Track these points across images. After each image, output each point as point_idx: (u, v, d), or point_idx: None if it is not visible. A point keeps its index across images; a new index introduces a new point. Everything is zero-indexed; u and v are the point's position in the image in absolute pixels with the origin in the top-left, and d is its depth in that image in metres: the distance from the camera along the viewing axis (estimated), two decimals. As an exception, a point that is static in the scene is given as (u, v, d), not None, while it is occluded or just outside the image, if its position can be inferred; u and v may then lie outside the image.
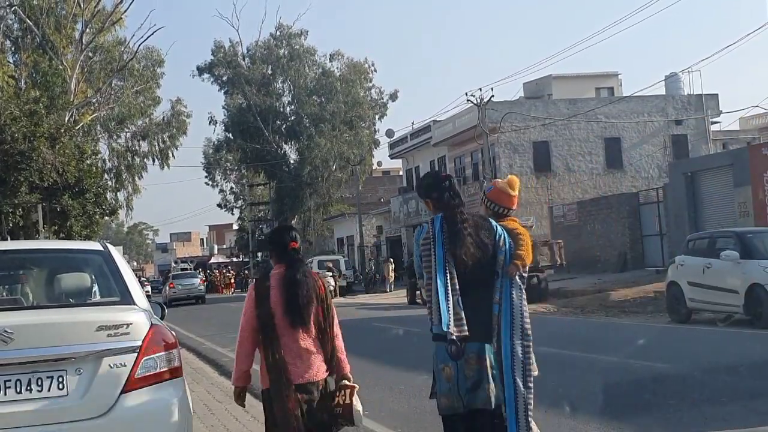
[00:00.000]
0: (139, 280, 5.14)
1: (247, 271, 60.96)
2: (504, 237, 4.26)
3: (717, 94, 36.41)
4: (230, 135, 53.39)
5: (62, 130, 22.61)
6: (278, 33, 52.39)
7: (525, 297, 4.32)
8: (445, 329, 3.94)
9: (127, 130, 43.31)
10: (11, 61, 32.84)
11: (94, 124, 37.99)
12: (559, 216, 32.23)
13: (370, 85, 52.81)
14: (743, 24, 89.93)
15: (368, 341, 15.33)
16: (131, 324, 4.16)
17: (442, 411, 4.17)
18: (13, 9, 31.74)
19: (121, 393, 4.05)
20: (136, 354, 4.12)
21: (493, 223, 4.34)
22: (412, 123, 44.54)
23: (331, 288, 34.81)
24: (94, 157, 27.29)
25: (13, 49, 33.92)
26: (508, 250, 4.25)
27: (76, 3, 32.37)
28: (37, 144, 20.13)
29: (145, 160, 44.93)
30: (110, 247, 5.06)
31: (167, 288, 39.74)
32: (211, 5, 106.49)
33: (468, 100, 32.51)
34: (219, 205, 62.26)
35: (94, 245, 5.24)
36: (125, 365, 4.08)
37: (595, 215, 30.02)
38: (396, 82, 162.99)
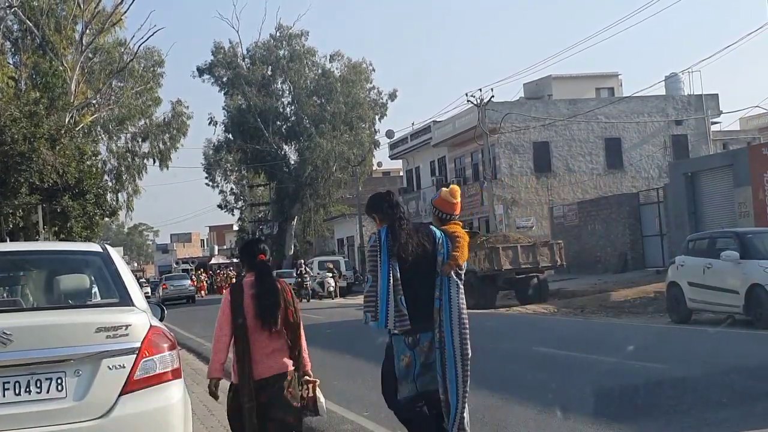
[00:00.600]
0: (138, 281, 5.13)
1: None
2: (442, 240, 4.84)
3: (717, 95, 36.50)
4: (230, 136, 53.35)
5: (62, 131, 22.61)
6: (278, 34, 52.39)
7: (462, 292, 4.87)
8: (382, 326, 4.59)
9: (127, 131, 43.28)
10: (11, 62, 32.82)
11: (95, 125, 37.97)
12: (559, 216, 32.22)
13: (371, 85, 52.84)
14: (743, 24, 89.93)
15: (367, 343, 15.30)
16: (130, 325, 4.16)
17: (401, 395, 4.72)
18: (12, 10, 31.73)
19: (120, 394, 4.04)
20: (135, 355, 4.11)
21: (433, 228, 4.94)
22: (412, 124, 44.64)
23: (331, 289, 34.82)
24: (94, 158, 27.30)
25: (13, 50, 33.90)
26: (445, 252, 4.81)
27: (76, 4, 32.36)
28: (38, 145, 20.13)
29: (145, 161, 44.95)
30: (109, 248, 5.05)
31: (161, 289, 42.10)
32: (211, 6, 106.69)
33: (468, 101, 32.52)
34: (219, 206, 62.22)
35: (93, 247, 5.24)
36: (124, 367, 4.07)
37: (596, 216, 30.01)
38: (396, 82, 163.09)
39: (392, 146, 46.64)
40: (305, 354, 4.79)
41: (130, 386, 4.07)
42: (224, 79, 52.43)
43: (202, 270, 58.87)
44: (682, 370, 9.21)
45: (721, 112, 36.28)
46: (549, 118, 34.36)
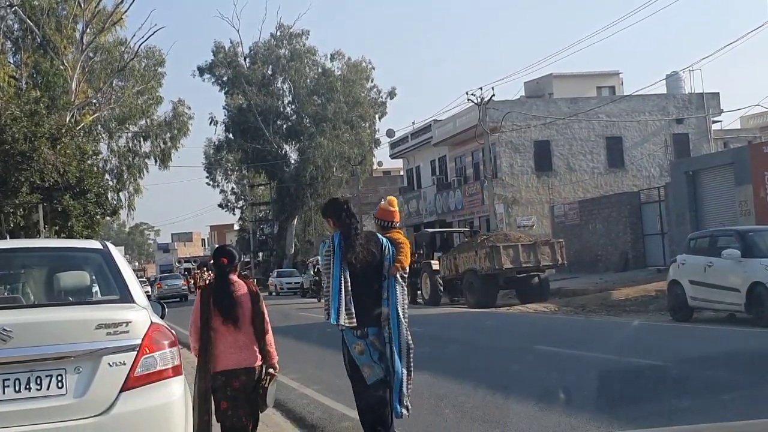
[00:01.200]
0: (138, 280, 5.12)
1: (247, 271, 60.97)
2: (388, 247, 5.36)
3: (718, 93, 36.44)
4: (231, 135, 53.37)
5: (63, 131, 22.61)
6: (279, 33, 52.42)
7: (406, 292, 5.45)
8: (334, 321, 5.17)
9: (128, 130, 43.29)
10: (12, 61, 32.83)
11: (95, 124, 37.97)
12: (560, 215, 32.20)
13: (371, 84, 52.84)
14: (744, 22, 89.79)
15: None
16: (130, 322, 4.15)
17: (369, 380, 5.26)
18: (13, 9, 31.73)
19: (121, 391, 4.03)
20: (135, 352, 4.10)
21: (380, 236, 5.46)
22: (413, 123, 44.61)
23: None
24: (95, 157, 27.30)
25: (13, 49, 33.90)
26: (391, 256, 5.33)
27: (77, 3, 32.35)
28: (38, 144, 20.13)
29: (146, 160, 44.96)
30: (110, 245, 5.04)
31: (156, 288, 44.16)
32: (212, 5, 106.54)
33: (469, 100, 32.52)
34: (220, 205, 62.27)
35: (94, 244, 5.23)
36: (125, 363, 4.06)
37: (597, 214, 29.99)
38: (396, 81, 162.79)
39: (393, 145, 46.63)
40: (272, 348, 5.17)
41: (130, 383, 4.06)
42: (225, 79, 52.46)
43: (205, 269, 58.99)
44: (684, 368, 9.20)
45: (722, 110, 36.25)
46: (550, 116, 34.34)
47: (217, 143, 55.85)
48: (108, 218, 29.10)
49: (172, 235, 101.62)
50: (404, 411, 5.42)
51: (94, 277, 4.95)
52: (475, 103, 32.10)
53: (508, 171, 34.66)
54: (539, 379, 9.07)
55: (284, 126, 52.54)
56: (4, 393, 3.87)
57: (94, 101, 33.93)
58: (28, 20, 31.70)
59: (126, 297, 4.50)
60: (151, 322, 4.27)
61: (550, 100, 36.11)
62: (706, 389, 7.80)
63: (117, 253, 4.94)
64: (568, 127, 34.87)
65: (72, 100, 29.80)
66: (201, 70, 52.65)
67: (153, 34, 48.10)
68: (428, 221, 40.16)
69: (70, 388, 3.95)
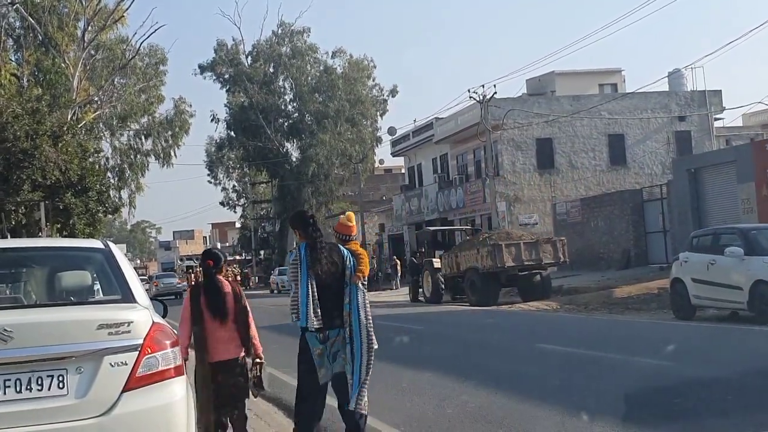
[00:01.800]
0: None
1: (249, 269, 60.96)
2: (349, 257, 5.95)
3: (720, 91, 36.39)
4: (232, 133, 53.36)
5: (65, 128, 22.60)
6: (280, 31, 52.39)
7: (367, 297, 6.00)
8: (303, 324, 5.69)
9: (129, 128, 43.28)
10: (13, 59, 32.82)
11: (97, 122, 37.97)
12: (562, 213, 32.17)
13: (372, 82, 52.79)
14: (746, 20, 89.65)
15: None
16: (132, 322, 4.12)
17: (322, 380, 5.80)
18: (15, 7, 31.71)
19: (122, 392, 4.00)
20: (137, 352, 4.07)
21: (342, 248, 6.05)
22: (414, 120, 44.45)
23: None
24: (96, 155, 27.29)
25: (15, 47, 33.89)
26: (352, 266, 5.90)
27: (78, 1, 32.34)
28: (40, 142, 20.12)
29: (148, 158, 44.96)
30: (111, 244, 5.01)
31: (152, 286, 44.80)
32: (213, 3, 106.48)
33: (470, 97, 32.44)
34: (221, 203, 62.26)
35: (95, 243, 5.20)
36: (126, 364, 4.03)
37: (599, 212, 29.96)
38: (398, 79, 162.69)
39: (394, 143, 46.55)
40: (256, 341, 5.77)
41: (132, 383, 4.03)
42: (226, 77, 52.46)
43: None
44: (687, 367, 9.18)
45: (724, 108, 36.19)
46: (552, 114, 34.29)
47: (218, 141, 55.87)
48: (110, 216, 29.10)
49: (173, 233, 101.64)
50: (360, 409, 5.91)
51: (95, 277, 4.93)
52: (477, 101, 32.04)
53: (510, 169, 34.62)
54: (541, 378, 9.04)
55: (286, 124, 52.52)
56: (5, 393, 3.84)
57: (96, 99, 33.94)
58: (29, 18, 31.68)
59: (127, 297, 4.47)
60: (153, 322, 4.24)
61: (553, 98, 36.05)
62: (709, 389, 7.78)
63: (118, 253, 4.91)
64: (570, 125, 34.82)
65: (74, 97, 29.79)
66: (202, 68, 52.68)
67: (154, 32, 48.24)
68: (430, 219, 40.12)
69: (71, 388, 3.92)
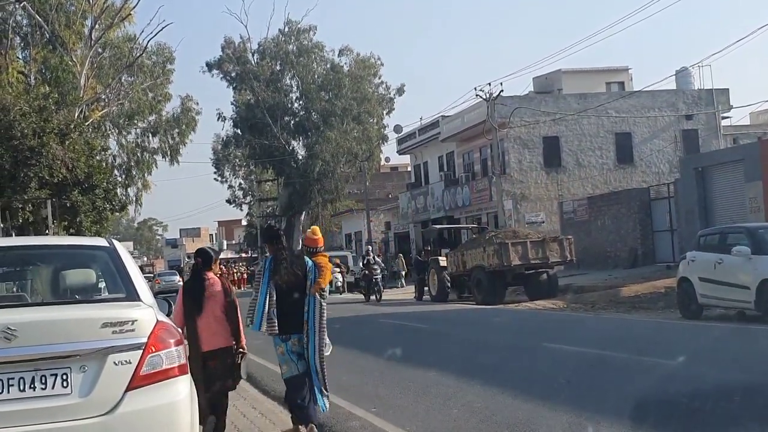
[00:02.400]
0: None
1: (255, 267, 60.97)
2: (312, 269, 6.59)
3: (728, 89, 36.23)
4: (239, 131, 53.38)
5: (72, 126, 22.65)
6: (287, 29, 52.36)
7: (324, 307, 6.64)
8: (256, 329, 6.46)
9: (136, 126, 43.35)
10: (21, 57, 32.92)
11: (104, 120, 38.04)
12: (569, 212, 32.10)
13: (379, 80, 52.75)
14: (754, 19, 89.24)
15: (377, 337, 15.31)
16: (136, 321, 4.11)
17: (285, 376, 6.66)
18: (22, 5, 31.77)
19: (126, 390, 3.99)
20: (141, 351, 4.06)
21: (306, 259, 6.72)
22: (421, 118, 44.40)
23: (339, 284, 34.81)
24: (103, 153, 27.35)
25: (22, 45, 33.97)
26: (312, 277, 6.54)
27: (86, -1, 32.40)
28: (47, 140, 20.18)
29: (155, 156, 45.01)
30: (116, 243, 5.01)
31: (155, 284, 45.21)
32: (220, 2, 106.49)
33: (477, 95, 32.36)
34: (228, 201, 62.24)
35: (100, 241, 5.20)
36: (130, 362, 4.03)
37: (606, 211, 29.88)
38: (404, 77, 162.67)
39: (400, 141, 46.51)
40: (241, 333, 6.34)
41: (136, 382, 4.02)
42: (233, 75, 52.47)
43: (230, 265, 59.23)
44: (694, 366, 9.14)
45: (731, 106, 36.04)
46: (559, 112, 34.20)
47: (225, 139, 55.88)
48: (117, 214, 29.15)
49: (180, 230, 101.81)
50: (324, 404, 6.66)
51: (100, 275, 4.92)
52: (484, 99, 31.97)
53: (516, 167, 34.55)
54: (547, 377, 9.01)
55: (292, 122, 52.52)
56: (8, 392, 3.84)
57: (103, 97, 33.99)
58: (36, 16, 31.75)
59: (132, 295, 4.46)
60: (157, 321, 4.24)
61: (559, 96, 35.95)
62: (716, 389, 7.74)
63: (123, 251, 4.91)
64: (577, 123, 34.73)
65: (81, 95, 29.84)
66: (210, 66, 52.67)
67: (161, 30, 47.98)
68: (436, 217, 40.08)
69: (75, 387, 3.92)
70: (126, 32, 36.96)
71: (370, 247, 30.59)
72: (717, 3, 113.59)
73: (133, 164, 43.88)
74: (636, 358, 9.92)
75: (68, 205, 21.00)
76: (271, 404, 8.46)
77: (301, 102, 52.52)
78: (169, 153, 45.01)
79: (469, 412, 7.34)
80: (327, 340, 6.63)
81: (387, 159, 56.16)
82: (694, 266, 14.63)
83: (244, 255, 70.94)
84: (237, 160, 59.12)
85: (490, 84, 32.36)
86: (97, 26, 32.49)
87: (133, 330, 4.07)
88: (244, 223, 73.75)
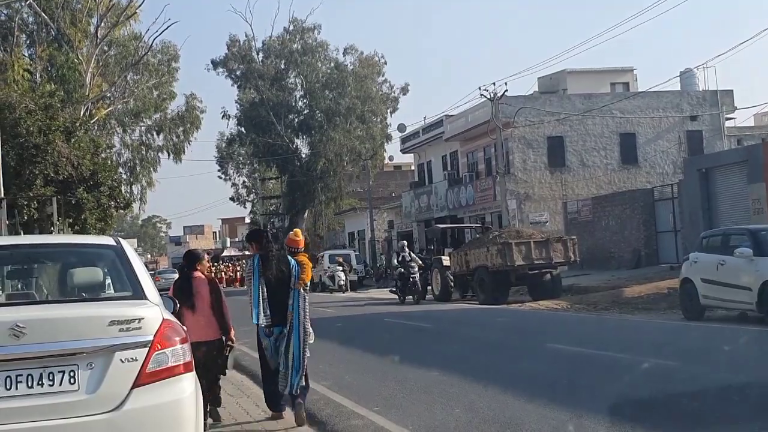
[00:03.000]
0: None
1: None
2: (295, 266, 7.24)
3: (732, 90, 36.20)
4: (243, 129, 53.46)
5: (77, 124, 22.74)
6: (291, 27, 52.42)
7: (307, 301, 7.30)
8: (255, 322, 7.07)
9: (141, 124, 43.45)
10: (27, 54, 33.02)
11: (109, 118, 38.14)
12: (573, 212, 32.10)
13: (383, 79, 52.78)
14: (759, 20, 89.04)
15: (379, 336, 15.34)
16: (143, 319, 4.17)
17: (274, 366, 7.19)
18: (28, 2, 31.88)
19: (133, 387, 4.05)
20: (147, 348, 4.12)
21: (290, 258, 7.35)
22: (424, 117, 44.43)
23: (342, 282, 34.89)
24: (108, 150, 27.44)
25: (28, 42, 34.07)
26: (296, 274, 7.19)
27: (91, -3, 32.49)
28: (53, 137, 20.26)
29: (159, 154, 45.10)
30: (122, 241, 5.06)
31: (155, 281, 46.30)
32: (225, 0, 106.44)
33: (481, 95, 32.38)
34: (231, 199, 62.37)
35: (107, 240, 5.26)
36: (136, 360, 4.08)
37: (610, 211, 29.88)
38: (408, 76, 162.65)
39: (404, 140, 46.50)
40: (231, 327, 7.10)
41: (142, 379, 4.08)
42: (238, 73, 52.55)
43: (222, 261, 59.37)
44: (694, 367, 9.17)
45: (735, 107, 36.00)
46: (563, 112, 34.20)
47: (229, 137, 55.97)
48: (121, 211, 29.24)
49: (184, 227, 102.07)
50: (300, 386, 7.18)
51: (107, 273, 4.98)
52: (488, 98, 31.99)
53: (520, 167, 34.56)
54: (550, 377, 9.05)
55: (296, 120, 52.58)
56: (17, 388, 3.90)
57: (108, 95, 34.10)
58: (42, 13, 31.86)
59: (138, 293, 4.52)
60: (163, 319, 4.29)
61: (564, 96, 35.95)
62: (716, 390, 7.77)
63: (130, 249, 4.96)
64: (581, 123, 34.73)
65: (86, 93, 29.94)
66: (215, 64, 52.75)
67: (167, 28, 48.32)
68: (439, 217, 40.10)
69: (82, 384, 3.98)
70: (132, 30, 37.07)
71: (405, 242, 26.85)
72: (722, 4, 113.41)
73: (137, 162, 43.97)
74: (637, 358, 9.94)
75: (73, 202, 21.08)
76: (260, 391, 8.75)
77: (305, 100, 52.57)
78: (173, 151, 45.09)
79: (471, 411, 7.38)
80: (310, 330, 7.25)
81: (390, 158, 56.15)
82: (696, 267, 14.65)
83: (247, 253, 70.94)
84: (241, 158, 59.22)
85: (494, 83, 32.43)
86: (102, 24, 32.60)
87: (139, 328, 4.13)
88: (247, 221, 73.82)
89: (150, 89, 40.27)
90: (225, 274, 53.32)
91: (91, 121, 28.41)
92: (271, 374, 7.26)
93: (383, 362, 11.15)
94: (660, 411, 6.97)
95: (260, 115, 50.67)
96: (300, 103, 53.11)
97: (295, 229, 8.33)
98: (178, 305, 6.28)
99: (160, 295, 4.79)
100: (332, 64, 52.07)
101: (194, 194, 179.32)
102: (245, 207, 65.90)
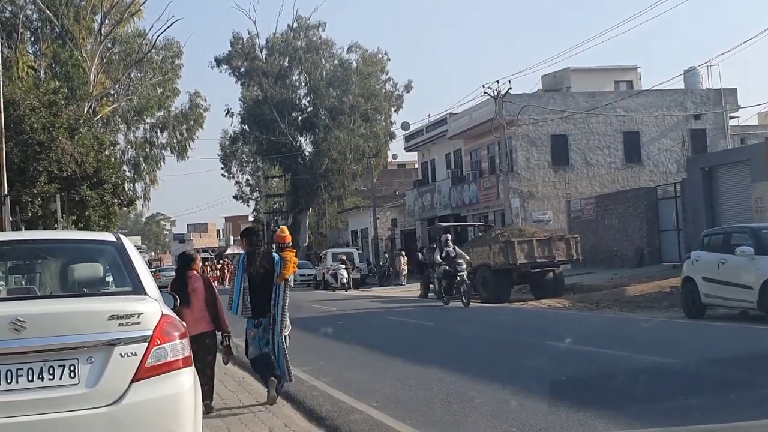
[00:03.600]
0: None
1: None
2: (279, 262, 7.91)
3: (736, 89, 36.09)
4: (246, 127, 53.50)
5: (81, 121, 22.83)
6: (295, 24, 52.45)
7: (288, 294, 7.97)
8: (235, 313, 7.83)
9: (145, 121, 43.53)
10: (31, 51, 33.11)
11: (113, 115, 38.21)
12: (576, 210, 32.08)
13: (386, 77, 52.76)
14: (762, 19, 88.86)
15: (380, 334, 15.39)
16: (142, 314, 4.21)
17: (250, 356, 8.03)
18: (32, -1, 31.99)
19: (132, 381, 4.10)
20: (146, 343, 4.16)
21: (274, 254, 8.04)
22: (428, 116, 44.39)
23: (345, 280, 34.91)
24: (112, 148, 27.50)
25: (32, 39, 34.16)
26: (279, 270, 7.87)
27: (95, -6, 32.56)
28: (56, 134, 20.34)
29: (163, 151, 45.17)
30: (123, 237, 5.11)
31: (155, 278, 45.97)
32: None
33: (485, 93, 32.34)
34: (235, 197, 62.47)
35: (107, 236, 5.30)
36: (136, 354, 4.13)
37: (613, 210, 29.86)
38: (412, 74, 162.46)
39: (407, 138, 46.49)
40: (223, 319, 7.64)
41: (141, 373, 4.12)
42: (241, 70, 52.57)
43: (221, 260, 59.45)
44: (693, 365, 9.18)
45: (739, 106, 35.92)
46: (567, 110, 34.16)
47: (232, 135, 56.05)
48: (125, 209, 29.32)
49: (187, 225, 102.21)
50: (289, 377, 7.96)
51: (107, 269, 5.03)
52: (492, 97, 31.96)
53: (524, 165, 34.54)
54: (550, 374, 9.07)
55: (299, 118, 52.60)
56: (17, 382, 3.95)
57: (112, 92, 34.17)
58: (47, 10, 31.93)
59: (138, 289, 4.56)
60: (163, 314, 4.34)
61: (568, 94, 35.91)
62: (718, 387, 7.80)
63: (130, 246, 5.01)
64: (585, 122, 34.69)
65: (90, 90, 30.02)
66: (219, 61, 52.78)
67: (170, 25, 48.48)
68: (442, 215, 40.07)
69: (82, 378, 4.02)
70: (135, 28, 37.16)
71: (449, 235, 22.61)
72: (726, 3, 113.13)
73: (141, 159, 44.03)
74: (638, 357, 9.97)
75: (77, 199, 21.16)
76: (251, 379, 9.25)
77: (308, 98, 52.60)
78: (177, 148, 45.15)
79: (469, 407, 7.41)
80: (287, 322, 7.93)
81: (394, 156, 56.17)
82: (698, 266, 14.66)
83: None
84: (244, 156, 59.28)
85: (498, 81, 32.42)
86: (106, 21, 32.67)
87: (139, 323, 4.17)
88: (251, 219, 73.93)
89: (154, 86, 40.34)
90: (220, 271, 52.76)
91: (95, 119, 28.52)
92: (258, 362, 7.95)
93: (384, 359, 11.19)
94: (660, 406, 6.99)
95: (264, 112, 50.70)
96: (304, 101, 53.15)
97: (282, 227, 9.04)
98: (178, 301, 6.41)
99: (160, 291, 4.84)
100: (336, 62, 52.06)
101: (198, 192, 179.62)
102: (249, 205, 66.05)
